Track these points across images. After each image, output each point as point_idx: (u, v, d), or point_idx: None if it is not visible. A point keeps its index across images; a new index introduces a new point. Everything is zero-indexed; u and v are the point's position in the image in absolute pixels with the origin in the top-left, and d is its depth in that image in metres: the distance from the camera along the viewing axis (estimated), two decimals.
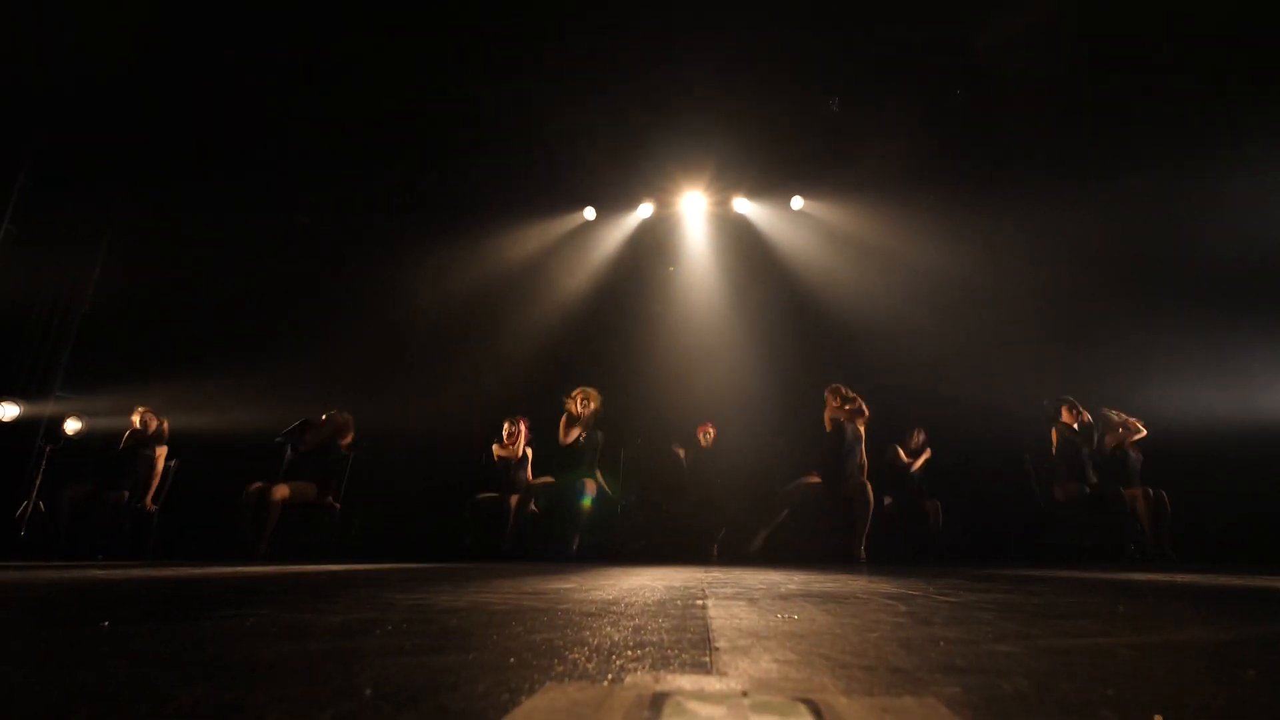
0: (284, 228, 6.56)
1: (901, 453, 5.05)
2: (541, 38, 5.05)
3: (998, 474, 4.99)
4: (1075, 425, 4.52)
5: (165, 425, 4.89)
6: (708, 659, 0.67)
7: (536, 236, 6.72)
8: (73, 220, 5.81)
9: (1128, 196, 5.47)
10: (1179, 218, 5.28)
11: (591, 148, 5.97)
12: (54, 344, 5.58)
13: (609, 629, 0.89)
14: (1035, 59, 5.00)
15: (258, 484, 4.27)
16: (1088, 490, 4.35)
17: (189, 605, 1.25)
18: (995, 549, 4.79)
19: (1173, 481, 4.22)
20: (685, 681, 0.56)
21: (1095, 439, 4.51)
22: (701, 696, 0.50)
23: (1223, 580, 2.00)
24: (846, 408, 4.45)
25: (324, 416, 4.67)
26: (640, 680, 0.56)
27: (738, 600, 1.34)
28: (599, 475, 4.71)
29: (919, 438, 5.13)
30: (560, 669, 0.61)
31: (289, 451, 4.53)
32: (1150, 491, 4.21)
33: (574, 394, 4.81)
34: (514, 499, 4.61)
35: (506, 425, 4.93)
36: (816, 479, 4.39)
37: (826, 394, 4.58)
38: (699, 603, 1.29)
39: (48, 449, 4.95)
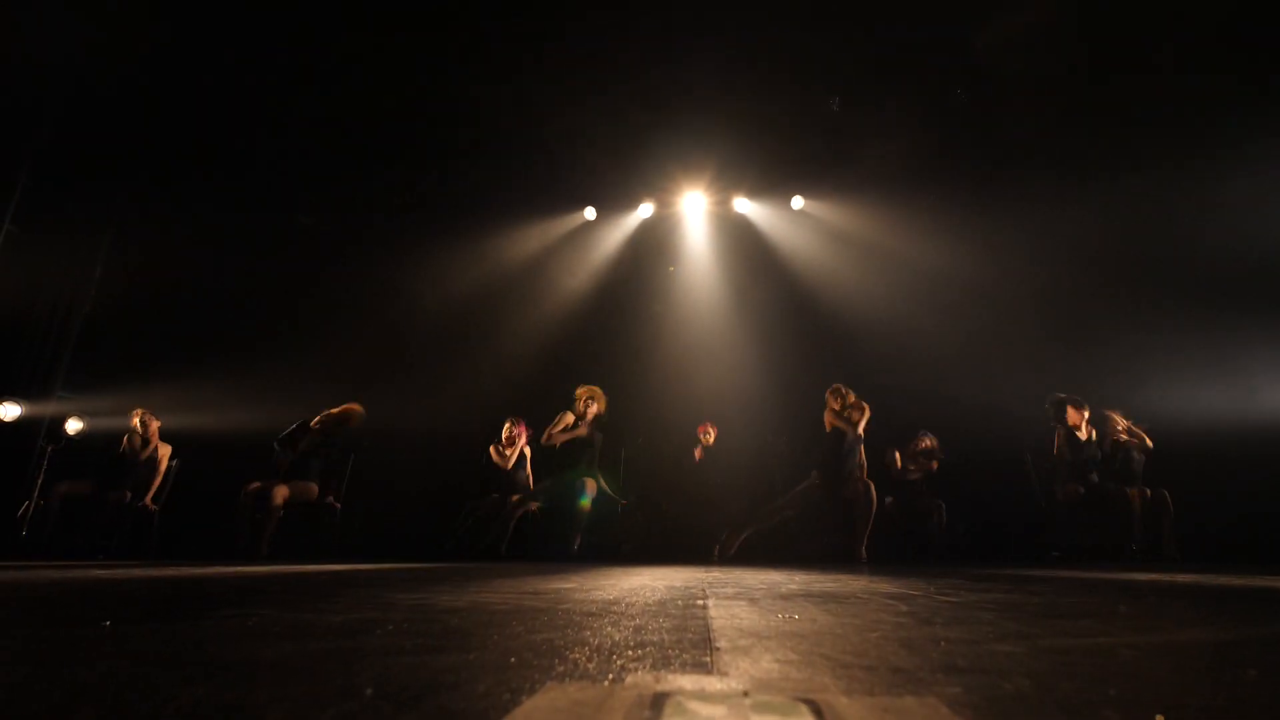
0: (284, 228, 6.56)
1: (899, 458, 4.96)
2: (541, 38, 5.05)
3: (998, 474, 4.98)
4: (1081, 425, 4.50)
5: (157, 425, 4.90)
6: (708, 659, 0.67)
7: (536, 236, 6.72)
8: (74, 220, 5.81)
9: (1128, 196, 5.46)
10: (1179, 218, 5.28)
11: (591, 148, 5.97)
12: (55, 344, 5.58)
13: (610, 629, 0.89)
14: (1035, 59, 5.00)
15: (256, 484, 4.28)
16: (1089, 490, 4.34)
17: (190, 605, 1.25)
18: (996, 549, 4.79)
19: (1173, 481, 4.22)
20: (686, 681, 0.56)
21: (1098, 439, 4.50)
22: (702, 696, 0.51)
23: (1223, 580, 2.00)
24: (847, 410, 4.45)
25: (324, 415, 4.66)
26: (641, 680, 0.56)
27: (738, 600, 1.34)
28: (599, 475, 4.71)
29: (924, 443, 4.93)
30: (561, 669, 0.61)
31: (291, 449, 4.52)
32: (1149, 491, 4.21)
33: (579, 393, 4.81)
34: (514, 499, 4.62)
35: (507, 426, 4.93)
36: (816, 481, 4.38)
37: (828, 395, 4.57)
38: (700, 603, 1.29)
39: (49, 449, 4.95)
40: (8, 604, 1.23)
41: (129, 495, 4.60)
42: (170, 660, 0.66)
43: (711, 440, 5.18)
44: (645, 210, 6.70)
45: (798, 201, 6.49)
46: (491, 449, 4.94)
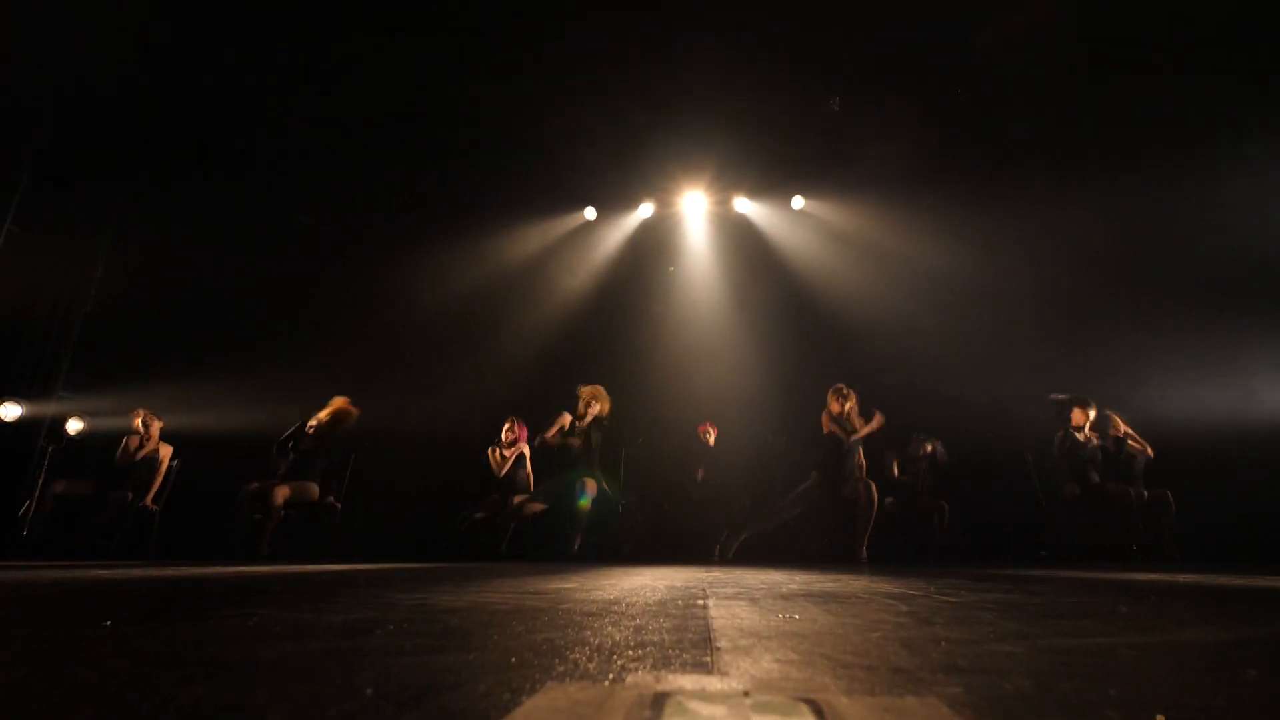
0: (284, 228, 6.56)
1: (896, 467, 4.93)
2: (541, 38, 5.05)
3: (998, 474, 4.98)
4: (1084, 425, 4.48)
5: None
6: (709, 659, 0.67)
7: (537, 236, 6.72)
8: (75, 220, 5.81)
9: (1128, 196, 5.46)
10: (1179, 218, 5.27)
11: (592, 148, 5.97)
12: (56, 344, 5.58)
13: (610, 629, 0.89)
14: (1035, 59, 4.99)
15: (255, 484, 4.28)
16: (1089, 490, 4.34)
17: (190, 605, 1.25)
18: (995, 549, 4.79)
19: (1173, 481, 4.22)
20: (687, 681, 0.56)
21: (1099, 439, 4.49)
22: (703, 696, 0.50)
23: (1223, 580, 2.00)
24: (847, 413, 4.44)
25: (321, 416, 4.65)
26: (641, 680, 0.56)
27: (739, 600, 1.34)
28: (599, 475, 4.70)
29: (926, 448, 4.89)
30: (561, 669, 0.61)
31: (290, 453, 4.52)
32: (1146, 492, 4.20)
33: (582, 392, 4.80)
34: (515, 499, 4.62)
35: (506, 426, 4.92)
36: (816, 482, 4.38)
37: (829, 395, 4.55)
38: (700, 603, 1.29)
39: (50, 449, 4.95)
40: (8, 604, 1.23)
41: (130, 495, 4.60)
42: (170, 660, 0.66)
43: (712, 440, 5.18)
44: (645, 210, 6.70)
45: (798, 201, 6.48)
46: (491, 451, 4.92)
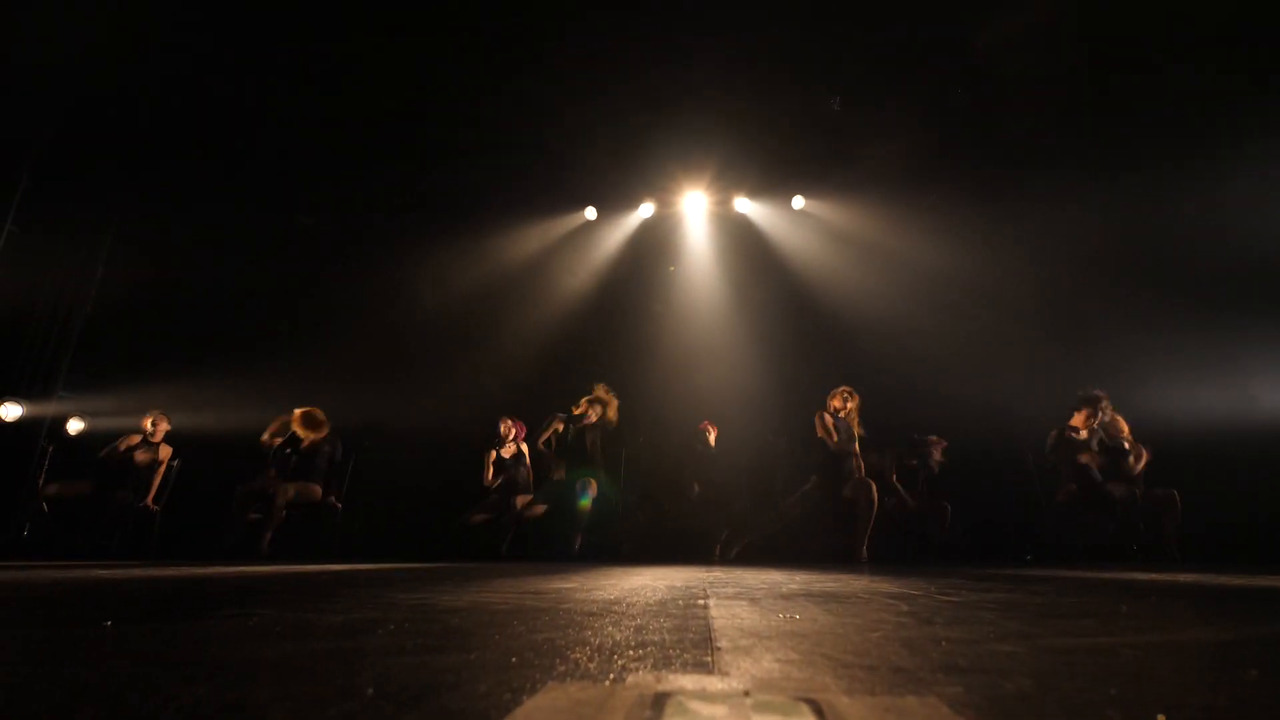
0: (284, 228, 6.56)
1: (895, 468, 4.89)
2: (541, 38, 5.05)
3: (998, 474, 4.98)
4: (1081, 427, 4.46)
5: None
6: (709, 659, 0.67)
7: (537, 236, 6.72)
8: (74, 220, 5.81)
9: (1128, 196, 5.46)
10: (1179, 218, 5.28)
11: (592, 147, 5.97)
12: (56, 344, 5.58)
13: (611, 628, 0.89)
14: (1035, 59, 4.99)
15: (253, 484, 4.29)
16: (1089, 490, 4.33)
17: (190, 605, 1.25)
18: (996, 549, 4.78)
19: (1173, 482, 4.21)
20: (687, 681, 0.56)
21: (1102, 438, 4.48)
22: (703, 696, 0.50)
23: (1224, 580, 2.00)
24: (849, 409, 4.44)
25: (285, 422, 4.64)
26: (642, 680, 0.56)
27: (739, 600, 1.34)
28: (600, 475, 4.70)
29: (913, 462, 4.82)
30: (562, 668, 0.61)
31: (292, 454, 4.53)
32: (1153, 492, 4.20)
33: (596, 392, 4.80)
34: (517, 500, 4.62)
35: (504, 425, 4.92)
36: (816, 485, 4.38)
37: (834, 394, 4.54)
38: (701, 602, 1.29)
39: (50, 449, 4.95)
40: (8, 604, 1.23)
41: (130, 496, 4.60)
42: (171, 660, 0.66)
43: (712, 440, 5.18)
44: (646, 210, 6.70)
45: (798, 201, 6.49)
46: (488, 455, 4.90)
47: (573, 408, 4.85)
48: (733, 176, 6.34)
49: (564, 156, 6.10)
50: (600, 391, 4.84)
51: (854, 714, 0.45)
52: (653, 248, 6.84)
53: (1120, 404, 4.62)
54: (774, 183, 6.39)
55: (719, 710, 0.46)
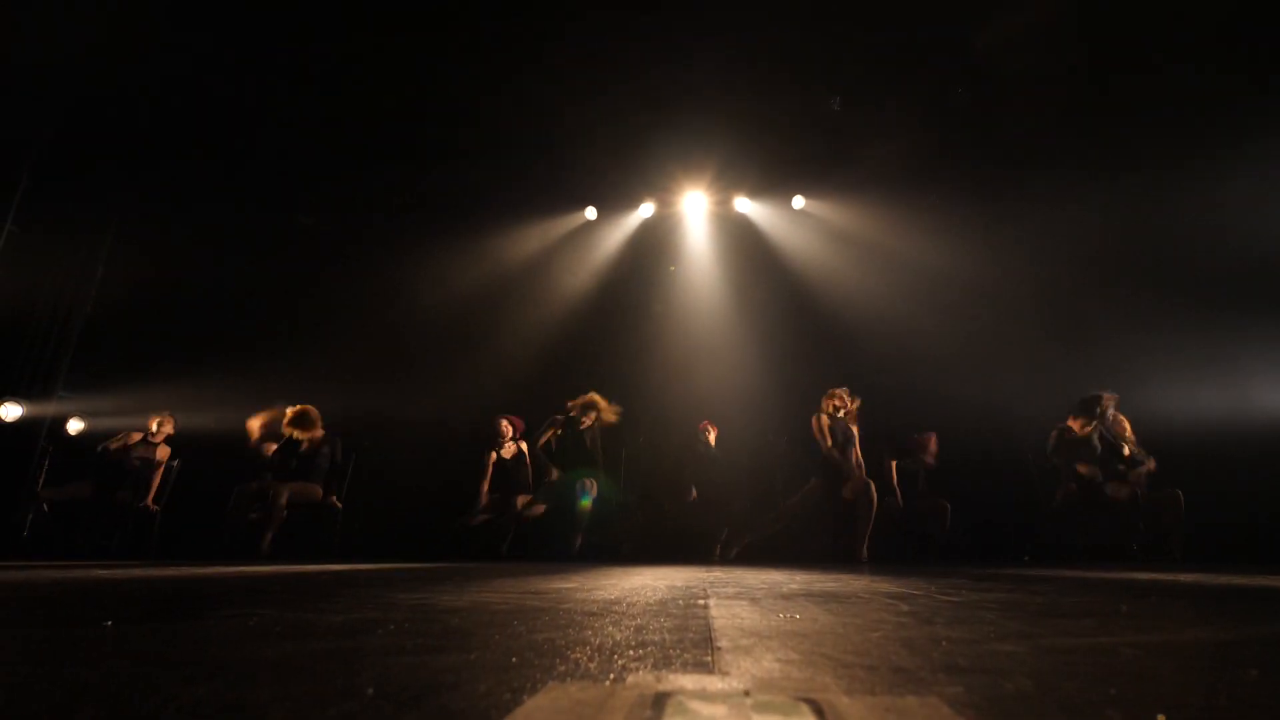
0: (284, 228, 6.56)
1: (894, 468, 4.89)
2: (541, 38, 5.05)
3: (998, 474, 4.98)
4: (1086, 432, 4.45)
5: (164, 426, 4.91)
6: (710, 658, 0.67)
7: (537, 236, 6.72)
8: (74, 220, 5.81)
9: (1128, 196, 5.46)
10: (1179, 218, 5.27)
11: (592, 147, 5.97)
12: (56, 344, 5.58)
13: (611, 628, 0.89)
14: (1035, 59, 4.99)
15: (252, 484, 4.28)
16: (1090, 490, 4.33)
17: (190, 605, 1.25)
18: (996, 549, 4.78)
19: (1172, 481, 4.21)
20: (687, 681, 0.56)
21: (1105, 438, 4.47)
22: (704, 696, 0.50)
23: (1224, 580, 2.00)
24: (843, 411, 4.44)
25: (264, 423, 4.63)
26: (642, 680, 0.56)
27: (740, 600, 1.34)
28: (600, 475, 4.70)
29: (927, 448, 4.84)
30: (562, 668, 0.61)
31: (291, 458, 4.52)
32: (1156, 493, 4.19)
33: (574, 403, 4.81)
34: (517, 500, 4.61)
35: (502, 424, 4.91)
36: (816, 486, 4.38)
37: (824, 401, 4.55)
38: (701, 602, 1.29)
39: (50, 449, 4.95)
40: (8, 604, 1.23)
41: (130, 496, 4.60)
42: (171, 660, 0.66)
43: (712, 439, 5.18)
44: (646, 210, 6.70)
45: (798, 201, 6.49)
46: (490, 455, 4.89)
47: (569, 409, 4.84)
48: (733, 176, 6.34)
49: (564, 156, 6.10)
50: (592, 398, 4.84)
51: (854, 714, 0.45)
52: (653, 248, 6.84)
53: (1120, 404, 4.62)
54: (774, 183, 6.39)
55: (719, 710, 0.46)
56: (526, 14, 4.88)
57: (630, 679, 0.56)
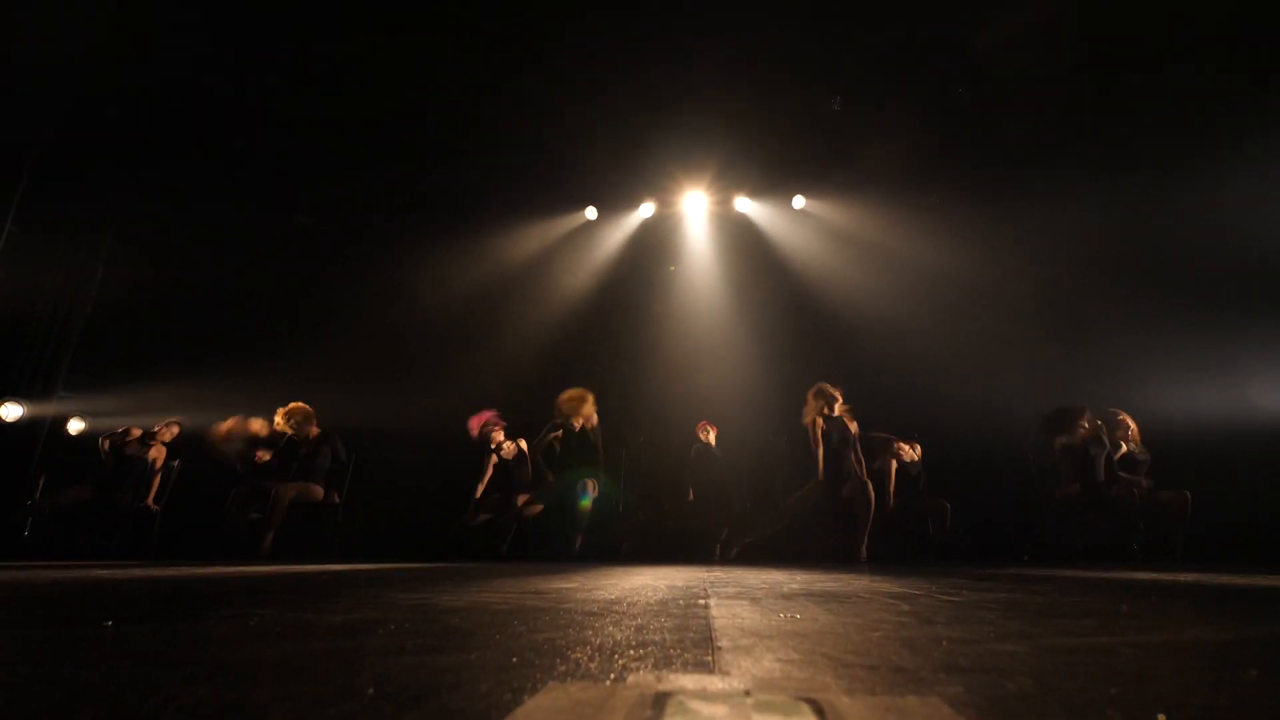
0: (284, 228, 6.56)
1: (894, 468, 4.86)
2: (541, 38, 5.05)
3: (998, 474, 4.98)
4: (1092, 432, 4.43)
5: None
6: (710, 658, 0.67)
7: (537, 236, 6.72)
8: (74, 220, 5.82)
9: (1128, 196, 5.46)
10: (1179, 218, 5.28)
11: (592, 147, 5.97)
12: (56, 344, 5.59)
13: (611, 628, 0.89)
14: (1036, 59, 4.99)
15: (248, 486, 4.28)
16: (1090, 489, 4.33)
17: (190, 605, 1.25)
18: (996, 549, 4.78)
19: (1172, 481, 4.22)
20: (688, 681, 0.56)
21: (1106, 438, 4.45)
22: (704, 696, 0.50)
23: (1224, 580, 2.00)
24: (836, 405, 4.44)
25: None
26: (643, 679, 0.56)
27: (740, 600, 1.34)
28: (600, 475, 4.70)
29: (905, 453, 4.80)
30: (563, 668, 0.61)
31: (293, 461, 4.52)
32: (1163, 493, 4.19)
33: (562, 404, 4.76)
34: (520, 499, 4.61)
35: (498, 432, 4.91)
36: (815, 487, 4.37)
37: (811, 400, 4.52)
38: (701, 602, 1.29)
39: (50, 449, 4.95)
40: (8, 604, 1.23)
41: (130, 496, 4.60)
42: (171, 660, 0.66)
43: (712, 439, 5.18)
44: (646, 210, 6.70)
45: (799, 201, 6.49)
46: (490, 458, 4.88)
47: (563, 410, 4.79)
48: (733, 176, 6.34)
49: (564, 156, 6.10)
50: (580, 391, 4.79)
51: (855, 714, 0.45)
52: (653, 248, 6.84)
53: (1120, 404, 4.62)
54: (774, 182, 6.39)
55: (720, 710, 0.46)
56: (526, 14, 4.88)
57: (631, 679, 0.56)
